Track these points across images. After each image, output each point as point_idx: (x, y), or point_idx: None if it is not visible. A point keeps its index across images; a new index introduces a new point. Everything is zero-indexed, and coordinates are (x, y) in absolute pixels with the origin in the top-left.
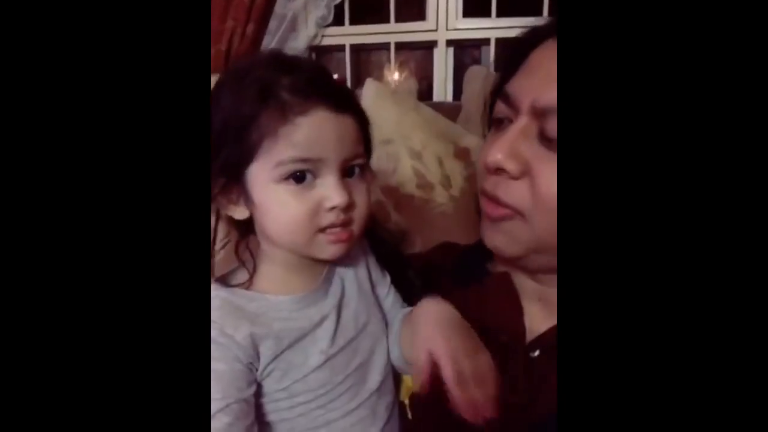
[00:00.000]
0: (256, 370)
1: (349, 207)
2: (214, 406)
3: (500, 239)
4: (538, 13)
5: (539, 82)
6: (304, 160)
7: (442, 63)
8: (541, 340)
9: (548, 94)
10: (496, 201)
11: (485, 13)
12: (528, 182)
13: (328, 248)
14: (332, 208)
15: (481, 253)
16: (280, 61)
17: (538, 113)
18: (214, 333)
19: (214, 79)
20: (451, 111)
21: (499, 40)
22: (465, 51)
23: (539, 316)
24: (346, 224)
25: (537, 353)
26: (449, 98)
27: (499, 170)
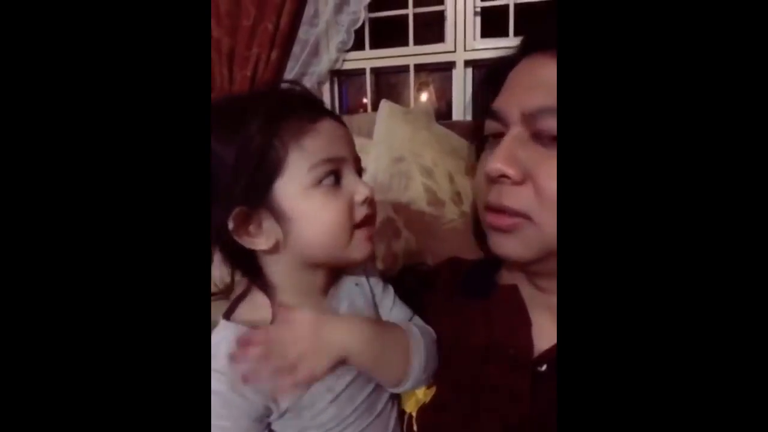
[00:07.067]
0: (271, 415)
1: (372, 201)
2: None
3: (512, 246)
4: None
5: (523, 94)
6: (332, 160)
7: (461, 83)
8: (548, 355)
9: (533, 101)
10: (503, 211)
11: (503, 33)
12: (531, 185)
13: (362, 247)
14: (363, 201)
15: (488, 267)
16: (273, 89)
17: (528, 118)
18: (223, 387)
19: None
20: (469, 129)
21: None
22: (483, 71)
23: (547, 329)
24: (372, 218)
25: (544, 367)
26: (468, 117)
27: (501, 178)
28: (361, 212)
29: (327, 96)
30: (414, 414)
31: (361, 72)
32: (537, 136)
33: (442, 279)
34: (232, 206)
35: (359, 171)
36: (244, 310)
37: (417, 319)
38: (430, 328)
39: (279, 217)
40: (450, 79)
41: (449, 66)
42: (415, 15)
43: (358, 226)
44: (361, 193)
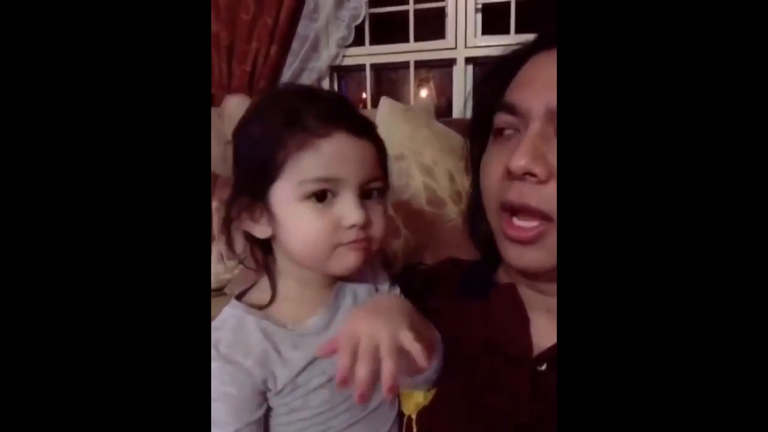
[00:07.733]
0: (269, 390)
1: (366, 226)
2: (226, 429)
3: (535, 257)
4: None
5: (548, 89)
6: (325, 180)
7: (461, 80)
8: (548, 354)
9: None
10: (525, 210)
11: (504, 30)
12: (555, 184)
13: (345, 260)
14: (351, 227)
15: (487, 266)
16: (305, 91)
17: (554, 115)
18: (225, 357)
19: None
20: (468, 124)
21: None
22: (487, 65)
23: (546, 328)
24: (364, 241)
25: (544, 367)
26: (468, 115)
27: (525, 176)
28: (348, 235)
29: None
30: (413, 417)
31: (360, 68)
32: None
33: (440, 279)
34: (240, 190)
35: (371, 192)
36: (253, 293)
37: None
38: (436, 331)
39: (271, 216)
40: (450, 75)
41: (450, 63)
42: (416, 11)
43: (343, 244)
44: (348, 219)
